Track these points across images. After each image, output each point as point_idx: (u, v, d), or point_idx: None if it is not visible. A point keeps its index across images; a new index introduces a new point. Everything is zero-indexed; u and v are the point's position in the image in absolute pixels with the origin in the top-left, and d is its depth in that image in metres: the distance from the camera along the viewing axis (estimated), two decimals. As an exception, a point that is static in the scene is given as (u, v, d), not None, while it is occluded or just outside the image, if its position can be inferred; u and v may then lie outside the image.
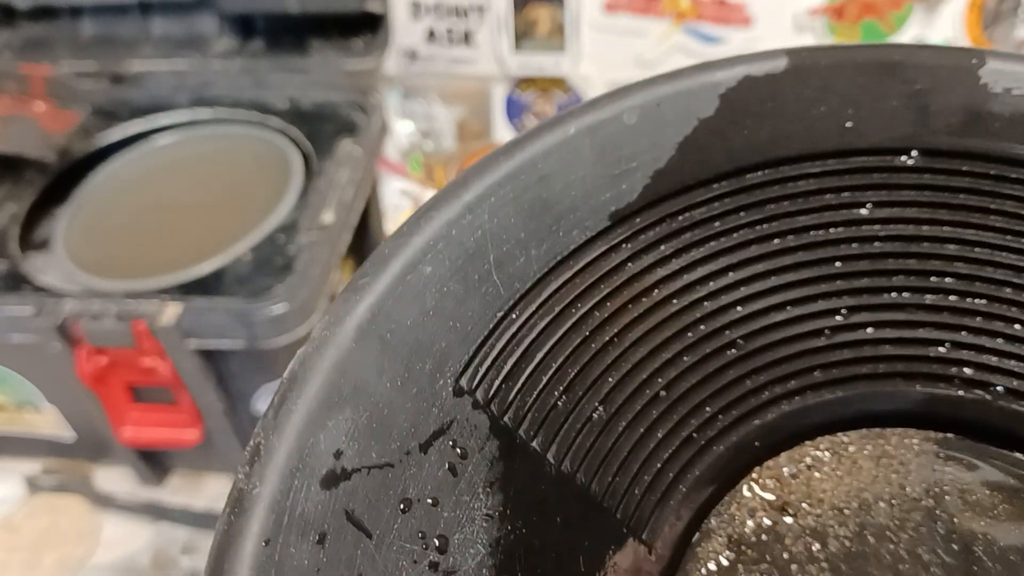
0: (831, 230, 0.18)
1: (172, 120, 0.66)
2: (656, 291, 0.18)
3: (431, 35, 0.76)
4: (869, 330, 0.19)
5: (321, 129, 0.62)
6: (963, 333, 0.18)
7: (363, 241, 0.66)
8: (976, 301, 0.18)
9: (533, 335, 0.17)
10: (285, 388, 0.14)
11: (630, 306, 0.18)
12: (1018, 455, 0.18)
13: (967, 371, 0.18)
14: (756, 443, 0.18)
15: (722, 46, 0.73)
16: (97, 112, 0.66)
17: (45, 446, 0.61)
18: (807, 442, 0.19)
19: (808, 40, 0.72)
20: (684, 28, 0.73)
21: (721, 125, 0.18)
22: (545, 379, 0.16)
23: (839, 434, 0.19)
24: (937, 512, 0.18)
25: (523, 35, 0.75)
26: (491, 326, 0.16)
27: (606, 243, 0.18)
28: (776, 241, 0.18)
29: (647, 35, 0.73)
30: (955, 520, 0.18)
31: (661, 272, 0.18)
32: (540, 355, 0.17)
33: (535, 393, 0.16)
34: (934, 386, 0.19)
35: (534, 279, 0.17)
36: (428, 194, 0.76)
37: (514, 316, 0.16)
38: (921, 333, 0.19)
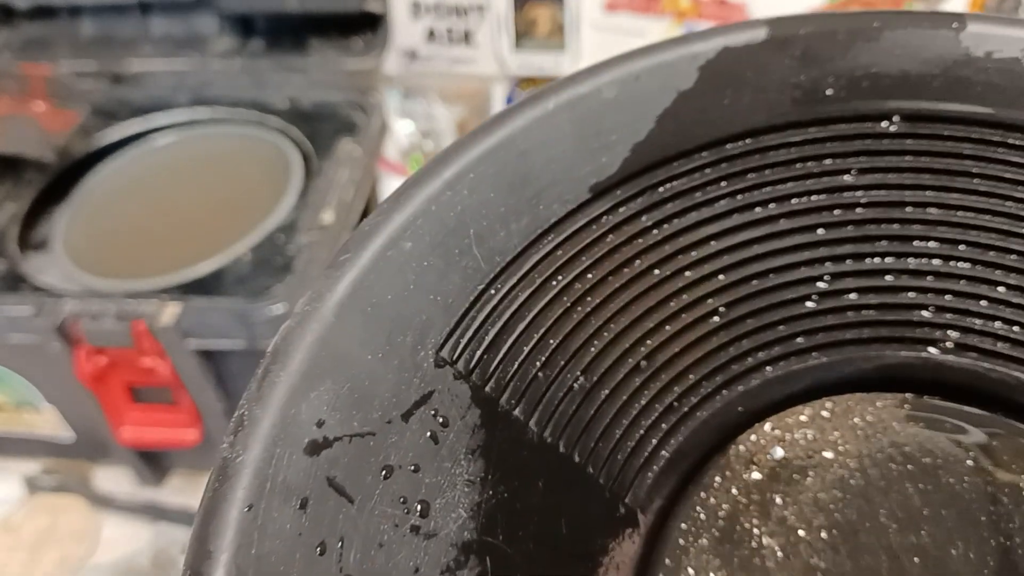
0: (813, 197, 0.18)
1: (172, 120, 0.65)
2: (638, 262, 0.18)
3: (431, 35, 0.76)
4: (852, 296, 0.18)
5: (321, 129, 0.62)
6: (947, 297, 0.18)
7: (363, 241, 0.66)
8: (959, 265, 0.18)
9: (514, 307, 0.17)
10: (268, 361, 0.14)
11: (611, 277, 0.18)
12: (999, 416, 0.18)
13: (951, 334, 0.18)
14: (740, 408, 0.18)
15: (722, 46, 0.73)
16: (97, 112, 0.66)
17: (45, 446, 0.61)
18: (792, 408, 0.19)
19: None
20: (684, 28, 0.72)
21: (700, 96, 0.18)
22: (527, 349, 0.17)
23: (824, 399, 0.19)
24: (920, 471, 0.18)
25: (523, 35, 0.75)
26: (472, 299, 0.16)
27: (586, 216, 0.18)
28: (758, 210, 0.18)
29: (647, 35, 0.73)
30: (939, 477, 0.18)
31: (642, 243, 0.18)
32: (521, 326, 0.17)
33: (517, 363, 0.17)
34: (918, 350, 0.19)
35: (514, 252, 0.17)
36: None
37: (495, 289, 0.17)
38: (904, 298, 0.18)
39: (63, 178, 0.61)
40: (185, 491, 0.61)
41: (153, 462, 0.60)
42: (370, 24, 0.69)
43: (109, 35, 0.71)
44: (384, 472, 0.14)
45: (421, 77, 0.79)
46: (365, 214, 0.62)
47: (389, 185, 0.75)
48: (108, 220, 0.59)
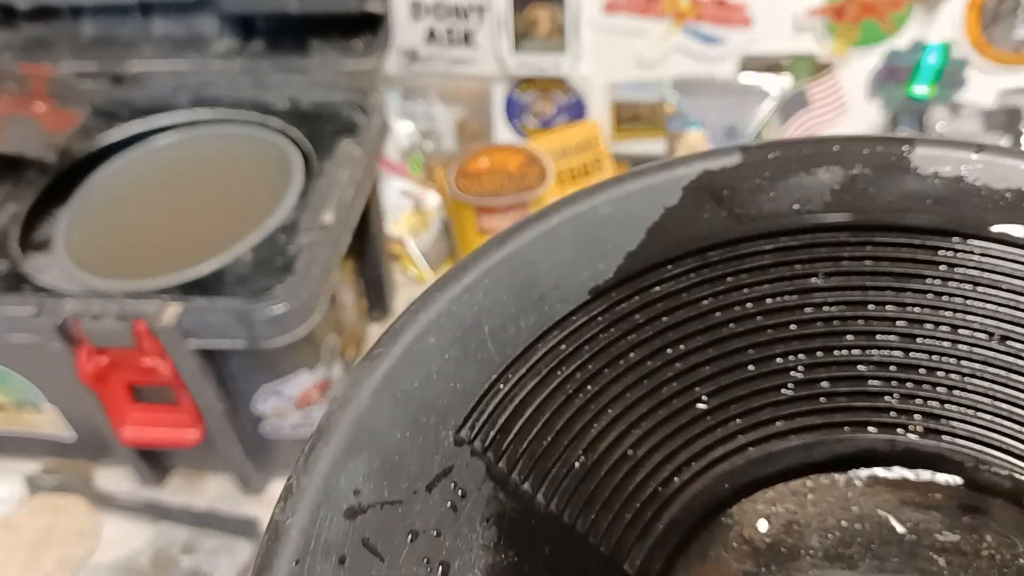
0: (785, 297, 0.21)
1: (172, 120, 0.66)
2: (632, 354, 0.20)
3: (431, 35, 0.76)
4: (824, 384, 0.21)
5: (321, 129, 0.62)
6: (908, 385, 0.21)
7: (363, 241, 0.66)
8: (917, 355, 0.21)
9: (524, 393, 0.19)
10: (314, 439, 0.17)
11: (608, 368, 0.20)
12: (964, 488, 0.21)
13: (917, 418, 0.21)
14: (727, 485, 0.21)
15: (722, 46, 0.73)
16: (97, 112, 0.66)
17: (45, 446, 0.61)
18: (775, 484, 0.21)
19: (808, 41, 0.72)
20: (684, 28, 0.73)
21: (684, 211, 0.21)
22: (535, 431, 0.19)
23: (804, 477, 0.21)
24: (894, 540, 0.20)
25: (523, 35, 0.75)
26: (487, 386, 0.19)
27: (586, 315, 0.20)
28: (737, 309, 0.21)
29: (647, 35, 0.73)
30: (913, 546, 0.20)
31: (635, 338, 0.21)
32: (530, 410, 0.19)
33: (526, 442, 0.19)
34: (887, 433, 0.21)
35: (523, 346, 0.20)
36: (428, 194, 0.76)
37: (507, 378, 0.19)
38: (871, 386, 0.21)
39: (64, 178, 0.62)
40: (186, 491, 0.61)
41: (154, 462, 0.60)
42: (370, 25, 0.70)
43: (110, 36, 0.71)
44: (410, 536, 0.16)
45: (421, 77, 0.80)
46: (365, 214, 0.62)
47: (389, 185, 0.75)
48: (109, 220, 0.60)
